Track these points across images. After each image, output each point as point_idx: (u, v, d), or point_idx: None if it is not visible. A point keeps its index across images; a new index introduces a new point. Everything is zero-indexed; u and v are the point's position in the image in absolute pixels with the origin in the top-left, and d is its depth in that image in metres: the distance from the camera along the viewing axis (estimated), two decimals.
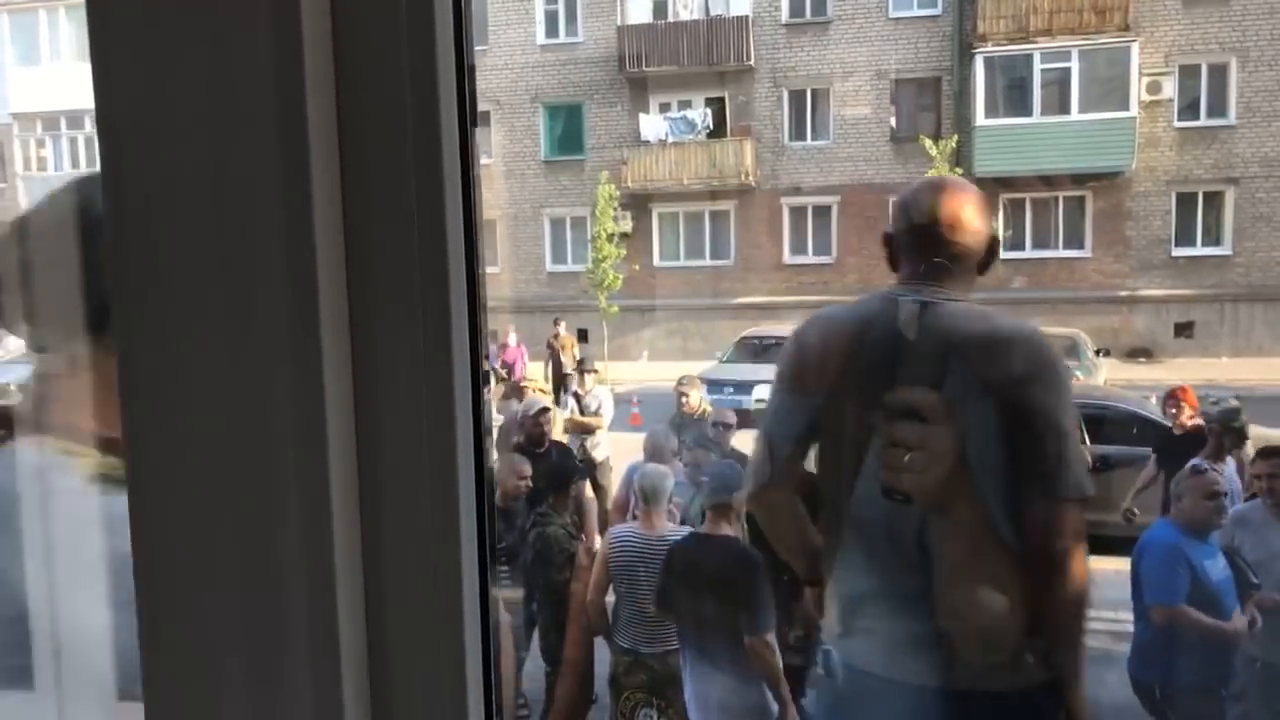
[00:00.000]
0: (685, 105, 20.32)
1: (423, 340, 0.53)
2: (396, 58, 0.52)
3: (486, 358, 0.60)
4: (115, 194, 0.53)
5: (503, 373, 10.26)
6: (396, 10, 0.52)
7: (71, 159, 19.94)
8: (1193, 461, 4.18)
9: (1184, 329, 17.22)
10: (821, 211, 19.64)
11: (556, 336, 12.60)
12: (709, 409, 6.77)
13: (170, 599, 0.55)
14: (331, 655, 0.53)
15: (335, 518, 0.52)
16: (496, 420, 7.50)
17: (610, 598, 4.07)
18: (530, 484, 4.71)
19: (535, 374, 11.28)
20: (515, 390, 6.92)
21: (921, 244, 1.81)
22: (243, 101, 0.51)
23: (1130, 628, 3.97)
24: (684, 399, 6.78)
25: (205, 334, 0.53)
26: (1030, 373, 1.69)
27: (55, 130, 20.20)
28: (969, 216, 1.80)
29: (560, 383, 9.29)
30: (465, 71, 0.54)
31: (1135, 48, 17.51)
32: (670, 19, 20.07)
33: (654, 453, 5.28)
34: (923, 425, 1.56)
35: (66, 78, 16.81)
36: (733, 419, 6.16)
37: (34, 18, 20.00)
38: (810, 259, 19.70)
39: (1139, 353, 16.08)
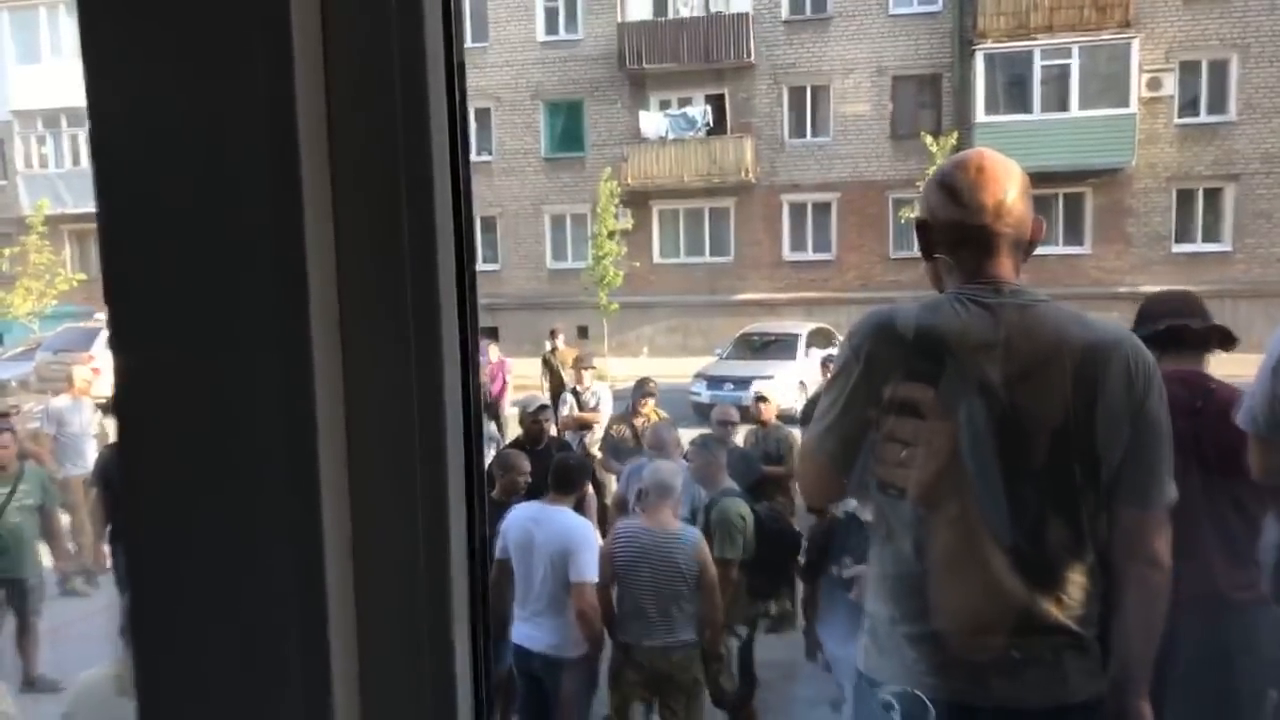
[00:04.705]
0: (685, 102, 20.32)
1: (413, 337, 0.53)
2: (386, 55, 0.52)
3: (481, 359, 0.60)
4: (106, 190, 0.53)
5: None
6: (386, 8, 0.52)
7: (73, 156, 19.96)
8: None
9: None
10: (821, 208, 19.64)
11: (554, 351, 10.74)
12: (664, 417, 6.81)
13: (163, 599, 0.55)
14: (321, 655, 0.53)
15: (325, 520, 0.52)
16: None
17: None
18: (529, 480, 4.70)
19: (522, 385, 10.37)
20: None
21: (975, 235, 1.64)
22: (233, 98, 0.51)
23: None
24: (642, 406, 6.81)
25: (195, 331, 0.53)
26: (1150, 378, 1.61)
27: (56, 127, 20.21)
28: (1017, 200, 1.65)
29: (559, 400, 8.33)
30: (455, 70, 0.54)
31: (1136, 44, 17.50)
32: (670, 16, 20.07)
33: (657, 448, 5.27)
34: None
35: (67, 74, 16.81)
36: (735, 416, 6.17)
37: (34, 15, 19.99)
38: (810, 255, 19.71)
39: None
